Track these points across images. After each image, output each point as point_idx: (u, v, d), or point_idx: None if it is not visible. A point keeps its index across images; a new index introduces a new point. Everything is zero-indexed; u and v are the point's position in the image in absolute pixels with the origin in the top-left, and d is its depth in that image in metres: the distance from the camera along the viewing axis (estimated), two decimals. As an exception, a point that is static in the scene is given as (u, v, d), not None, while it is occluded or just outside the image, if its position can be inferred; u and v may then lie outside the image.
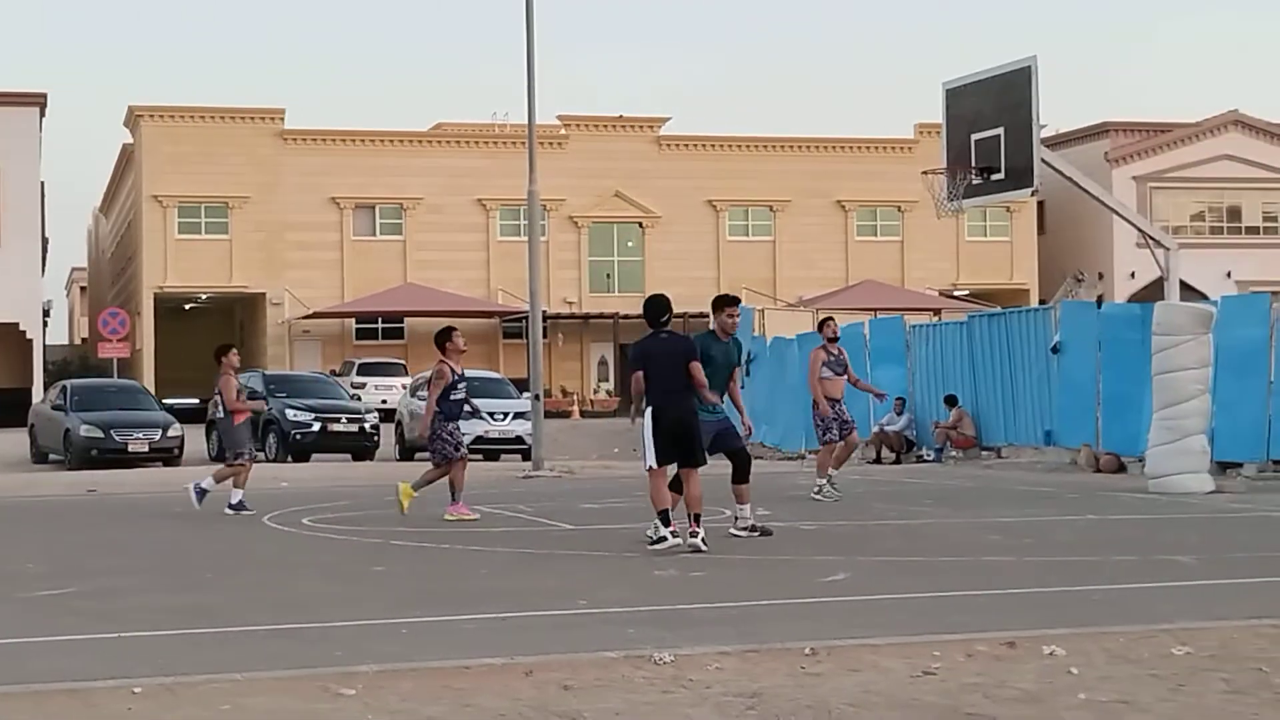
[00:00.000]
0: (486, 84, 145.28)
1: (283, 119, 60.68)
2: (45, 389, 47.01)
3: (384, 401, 44.42)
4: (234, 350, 19.22)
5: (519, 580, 12.29)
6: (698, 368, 13.98)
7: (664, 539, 13.57)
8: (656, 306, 14.21)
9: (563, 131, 62.47)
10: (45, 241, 63.64)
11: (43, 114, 58.07)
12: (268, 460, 33.13)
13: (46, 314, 67.85)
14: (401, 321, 61.66)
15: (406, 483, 17.43)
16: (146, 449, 32.83)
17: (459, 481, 17.49)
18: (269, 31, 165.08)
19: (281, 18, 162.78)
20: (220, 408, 19.04)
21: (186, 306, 64.45)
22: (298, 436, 33.51)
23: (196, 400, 47.85)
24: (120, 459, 32.15)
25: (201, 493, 18.49)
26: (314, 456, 33.58)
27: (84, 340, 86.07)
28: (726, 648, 8.70)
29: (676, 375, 13.85)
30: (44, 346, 59.67)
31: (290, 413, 33.71)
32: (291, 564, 13.67)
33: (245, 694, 7.64)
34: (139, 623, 10.03)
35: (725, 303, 15.31)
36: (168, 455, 32.98)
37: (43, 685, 7.83)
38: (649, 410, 13.80)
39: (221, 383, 18.79)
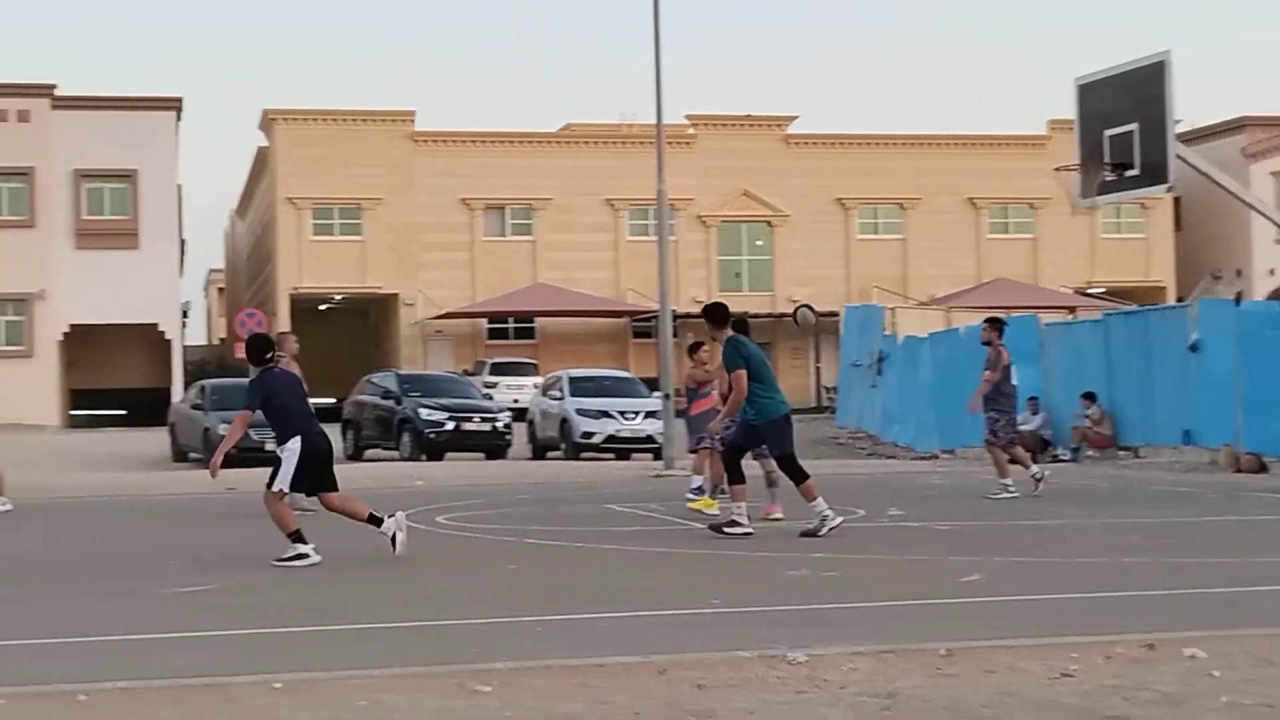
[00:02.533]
0: (615, 84, 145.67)
1: (414, 121, 61.25)
2: (184, 388, 47.80)
3: (516, 401, 44.62)
4: (705, 346, 19.81)
5: (651, 579, 12.29)
6: (742, 376, 14.90)
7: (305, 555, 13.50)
8: (262, 345, 14.36)
9: (691, 131, 62.45)
10: (183, 244, 64.67)
11: (179, 118, 59.03)
12: (402, 459, 33.45)
13: (185, 315, 68.99)
14: (532, 321, 61.98)
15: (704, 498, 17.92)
16: (283, 448, 33.19)
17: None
18: (400, 34, 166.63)
19: (413, 20, 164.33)
20: (687, 400, 19.86)
21: (321, 307, 65.19)
22: (431, 435, 33.74)
23: (332, 400, 48.43)
24: (259, 457, 32.45)
25: (699, 491, 19.32)
26: (447, 455, 33.82)
27: (221, 340, 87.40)
28: (861, 648, 8.64)
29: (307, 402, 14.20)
30: (183, 347, 60.69)
31: (424, 412, 33.95)
32: (426, 562, 13.75)
33: (382, 690, 7.70)
34: (278, 619, 10.16)
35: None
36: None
37: (185, 680, 7.96)
38: (299, 439, 13.66)
39: (692, 375, 19.65)
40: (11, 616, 10.56)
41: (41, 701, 7.52)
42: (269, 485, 13.59)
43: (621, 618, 10.09)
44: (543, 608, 10.50)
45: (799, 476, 15.05)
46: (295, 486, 13.77)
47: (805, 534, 14.76)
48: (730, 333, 15.41)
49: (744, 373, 15.03)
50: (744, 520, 14.90)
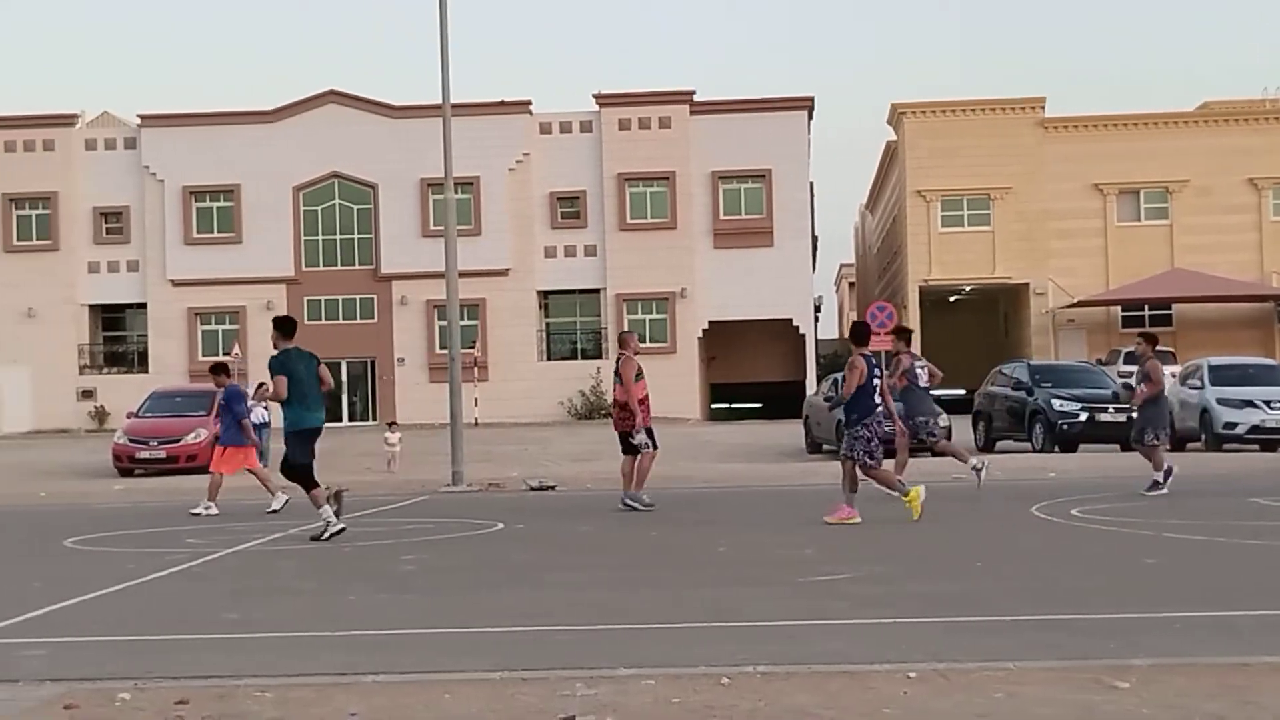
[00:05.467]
0: (1256, 58, 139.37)
1: (1043, 108, 60.52)
2: (817, 381, 48.88)
3: (1151, 390, 43.38)
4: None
5: (1300, 576, 11.71)
6: None
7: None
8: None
9: (1340, 103, 59.08)
10: (815, 240, 66.16)
11: (810, 117, 60.36)
12: (1034, 450, 33.11)
13: (817, 309, 70.58)
14: (1169, 308, 60.11)
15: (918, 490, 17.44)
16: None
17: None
18: (1028, 22, 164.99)
19: (1042, 7, 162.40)
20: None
21: (951, 298, 65.31)
22: (1064, 427, 33.28)
23: (962, 391, 48.49)
24: (886, 450, 32.81)
25: None
26: (1081, 447, 33.26)
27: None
28: None
29: None
30: (815, 341, 62.08)
31: (1056, 403, 33.53)
32: (1060, 555, 13.59)
33: (1017, 683, 7.67)
34: (911, 609, 10.25)
35: None
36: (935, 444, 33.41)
37: (823, 667, 8.16)
38: None
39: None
40: (657, 600, 11.09)
41: (689, 682, 7.88)
42: None
43: (1268, 616, 9.66)
44: (1183, 604, 10.20)
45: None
46: None
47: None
48: None
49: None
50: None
